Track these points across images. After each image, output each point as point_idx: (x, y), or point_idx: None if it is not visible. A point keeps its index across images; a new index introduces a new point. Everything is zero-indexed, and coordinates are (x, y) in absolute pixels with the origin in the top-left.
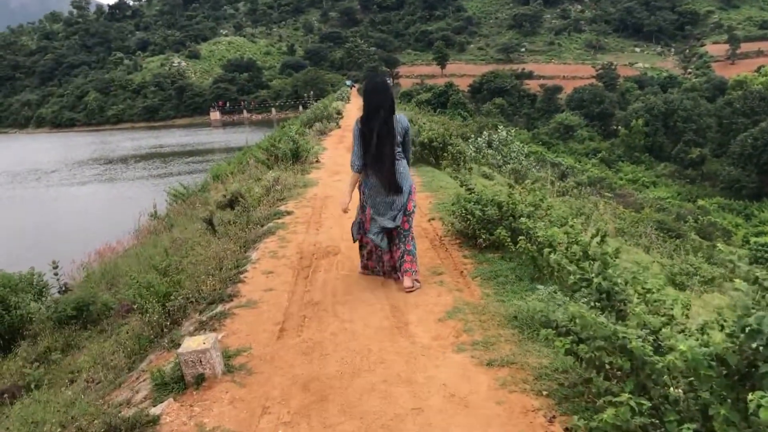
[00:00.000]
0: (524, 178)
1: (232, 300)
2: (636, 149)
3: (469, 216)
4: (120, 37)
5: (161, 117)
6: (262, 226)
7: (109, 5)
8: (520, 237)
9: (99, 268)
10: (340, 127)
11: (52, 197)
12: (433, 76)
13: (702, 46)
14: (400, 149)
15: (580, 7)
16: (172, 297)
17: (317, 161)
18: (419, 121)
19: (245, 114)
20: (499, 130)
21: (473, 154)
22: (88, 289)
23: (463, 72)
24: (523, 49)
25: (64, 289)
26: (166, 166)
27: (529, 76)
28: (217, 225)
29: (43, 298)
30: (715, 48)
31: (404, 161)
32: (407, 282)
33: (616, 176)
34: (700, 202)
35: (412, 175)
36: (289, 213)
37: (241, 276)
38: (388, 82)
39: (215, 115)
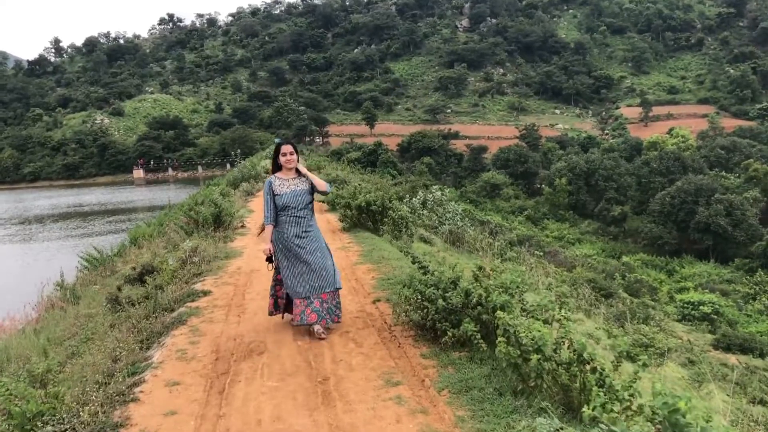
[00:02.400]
0: (461, 240)
1: None
2: (560, 207)
3: (426, 303)
4: (39, 93)
5: (82, 175)
6: (171, 311)
7: (28, 61)
8: (499, 337)
9: None
10: None
11: None
12: (363, 136)
13: (617, 108)
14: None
15: (502, 70)
16: (42, 424)
17: (242, 226)
18: (351, 181)
19: (170, 172)
20: (433, 190)
21: (409, 216)
22: None
23: (392, 132)
24: (449, 110)
25: None
26: (86, 225)
27: (456, 136)
28: (125, 303)
29: None
30: (629, 111)
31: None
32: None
33: (542, 233)
34: (625, 259)
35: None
36: (206, 293)
37: (137, 390)
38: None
39: (139, 173)
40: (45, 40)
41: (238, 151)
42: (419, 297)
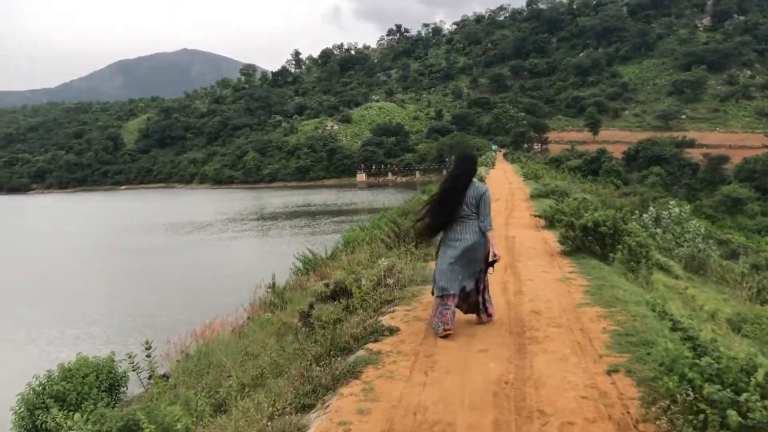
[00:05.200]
0: (704, 266)
1: None
2: None
3: (706, 408)
4: (280, 101)
5: (312, 177)
6: (349, 352)
7: (272, 72)
8: None
9: (195, 351)
10: None
11: (198, 250)
12: (584, 143)
13: None
14: (470, 211)
15: (749, 72)
16: None
17: None
18: (572, 192)
19: (390, 176)
20: (670, 205)
21: (650, 242)
22: (156, 399)
23: (617, 138)
24: (683, 116)
25: (150, 379)
26: (313, 224)
27: (691, 144)
28: (314, 323)
29: (115, 395)
30: None
31: (474, 221)
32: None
33: None
34: None
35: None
36: (392, 331)
37: None
38: (473, 158)
39: (361, 176)
40: (287, 53)
41: (453, 157)
42: (692, 395)
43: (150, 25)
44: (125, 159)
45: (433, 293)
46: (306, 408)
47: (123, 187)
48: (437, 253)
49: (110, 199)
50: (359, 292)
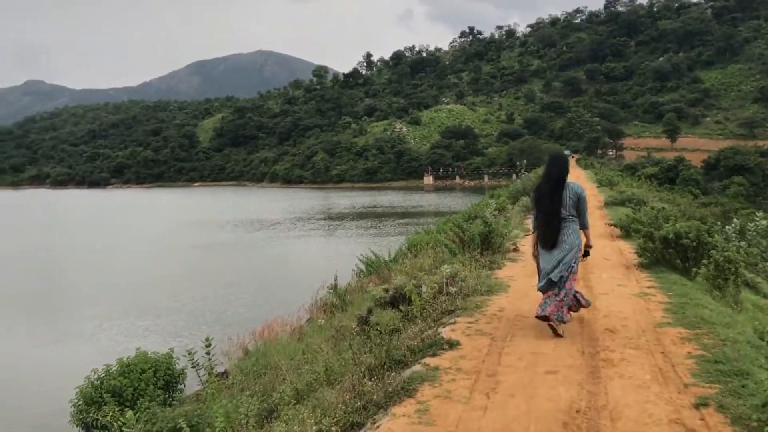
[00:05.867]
0: None
1: None
2: None
3: None
4: (350, 102)
5: (379, 179)
6: (405, 366)
7: (344, 74)
8: None
9: (254, 350)
10: None
11: (265, 248)
12: (661, 150)
13: None
14: (568, 212)
15: None
16: None
17: (515, 249)
18: (649, 201)
19: (458, 180)
20: (757, 217)
21: (740, 257)
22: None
23: (696, 146)
24: None
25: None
26: (378, 225)
27: None
28: (371, 330)
29: (171, 392)
30: None
31: (573, 223)
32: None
33: None
34: None
35: (649, 285)
36: (452, 345)
37: None
38: (567, 158)
39: (428, 179)
40: (359, 55)
41: (524, 161)
42: None
43: (227, 26)
44: (200, 157)
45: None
46: (355, 427)
47: (197, 184)
48: (535, 248)
49: (184, 195)
50: (419, 300)
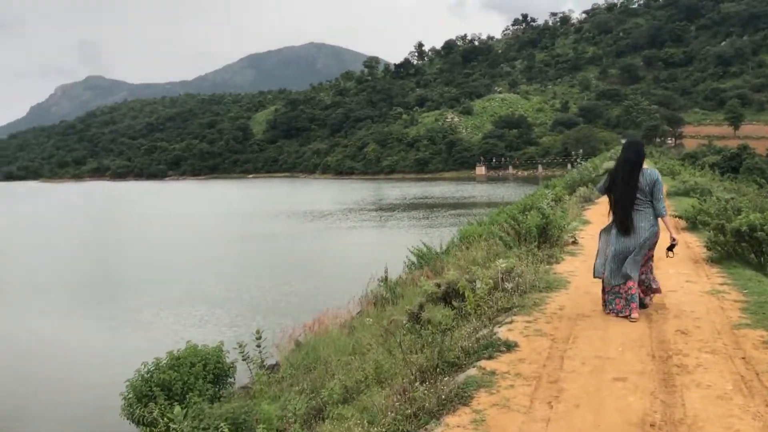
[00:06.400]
0: None
1: None
2: None
3: None
4: (401, 93)
5: (430, 170)
6: (459, 369)
7: (395, 64)
8: None
9: (305, 342)
10: None
11: (318, 239)
12: (723, 137)
13: None
14: (644, 198)
15: None
16: None
17: (574, 242)
18: (715, 191)
19: (510, 170)
20: None
21: None
22: (260, 396)
23: (761, 134)
24: None
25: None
26: (430, 216)
27: None
28: (423, 328)
29: (221, 386)
30: None
31: (649, 209)
32: (634, 314)
33: None
34: None
35: (720, 282)
36: (509, 347)
37: None
38: (641, 143)
39: (481, 169)
40: (410, 45)
41: (580, 151)
42: None
43: (279, 19)
44: (253, 149)
45: (595, 275)
46: None
47: (251, 176)
48: (601, 237)
49: (238, 186)
50: (473, 297)
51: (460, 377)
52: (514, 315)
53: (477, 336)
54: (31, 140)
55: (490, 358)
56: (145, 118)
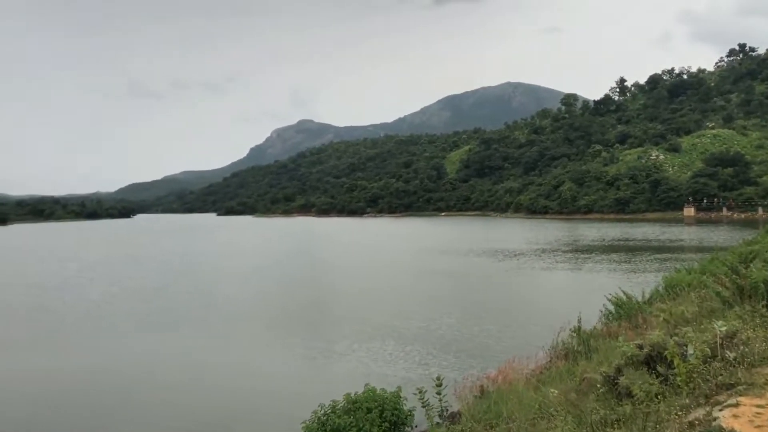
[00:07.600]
0: None
1: None
2: None
3: None
4: (601, 130)
5: (631, 210)
6: None
7: (594, 101)
8: None
9: (488, 393)
10: None
11: (509, 279)
12: None
13: None
14: None
15: None
16: None
17: None
18: None
19: (725, 212)
20: None
21: None
22: None
23: None
24: None
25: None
26: (631, 260)
27: None
28: (620, 392)
29: None
30: None
31: None
32: None
33: None
34: None
35: None
36: None
37: None
38: None
39: (689, 211)
40: (610, 82)
41: None
42: None
43: (476, 60)
44: (446, 187)
45: None
46: None
47: (443, 214)
48: None
49: (431, 224)
50: (684, 367)
51: None
52: (740, 395)
53: (689, 419)
54: (249, 179)
55: None
56: (348, 158)
